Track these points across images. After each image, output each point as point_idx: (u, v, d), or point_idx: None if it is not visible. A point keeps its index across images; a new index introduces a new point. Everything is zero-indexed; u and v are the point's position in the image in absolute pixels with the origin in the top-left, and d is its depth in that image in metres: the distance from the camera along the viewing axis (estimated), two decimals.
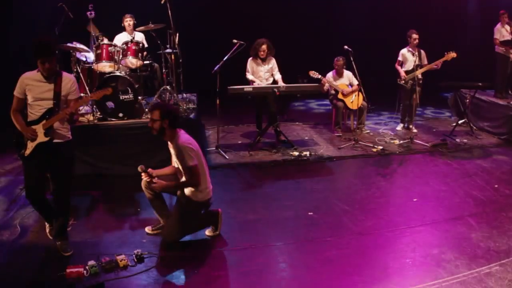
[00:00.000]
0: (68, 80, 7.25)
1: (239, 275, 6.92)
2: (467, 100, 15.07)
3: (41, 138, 7.10)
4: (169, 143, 7.84)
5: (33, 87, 7.04)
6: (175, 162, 7.82)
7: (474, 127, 15.00)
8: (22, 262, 7.16)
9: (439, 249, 7.72)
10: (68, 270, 6.59)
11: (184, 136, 7.68)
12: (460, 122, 15.18)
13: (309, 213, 8.93)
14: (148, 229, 8.12)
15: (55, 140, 7.21)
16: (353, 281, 6.80)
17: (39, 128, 7.08)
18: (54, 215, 7.54)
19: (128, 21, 12.73)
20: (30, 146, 7.10)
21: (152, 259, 7.18)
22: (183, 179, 7.65)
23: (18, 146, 7.23)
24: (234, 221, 8.61)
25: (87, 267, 6.70)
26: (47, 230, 7.75)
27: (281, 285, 6.76)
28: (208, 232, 8.08)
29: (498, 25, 15.10)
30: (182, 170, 7.61)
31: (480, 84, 14.76)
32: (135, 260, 7.09)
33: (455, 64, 14.48)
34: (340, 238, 8.03)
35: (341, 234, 8.20)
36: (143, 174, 7.62)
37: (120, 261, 6.94)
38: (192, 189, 7.60)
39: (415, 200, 9.73)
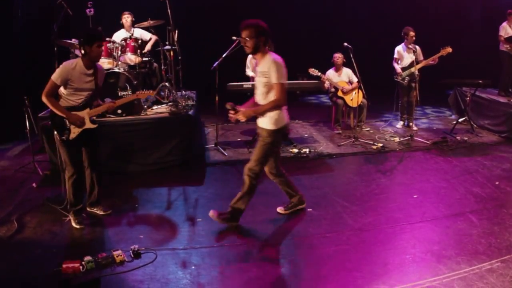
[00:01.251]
0: (102, 70, 8.01)
1: (237, 271, 6.90)
2: (468, 98, 15.03)
3: (89, 125, 7.83)
4: (254, 61, 8.00)
5: (77, 78, 7.53)
6: (260, 83, 7.92)
7: (475, 125, 15.00)
8: (19, 257, 7.14)
9: (439, 245, 7.69)
10: (64, 266, 6.56)
11: (275, 55, 7.78)
12: (460, 120, 15.21)
13: (308, 210, 8.90)
14: (280, 210, 8.66)
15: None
16: (353, 277, 6.76)
17: (85, 115, 7.73)
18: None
19: (126, 18, 12.74)
20: (76, 131, 7.71)
21: (149, 255, 7.15)
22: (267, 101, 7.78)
23: (61, 130, 7.69)
24: None
25: (83, 263, 6.65)
26: (72, 219, 8.08)
27: (280, 281, 6.75)
28: (279, 209, 8.56)
29: (505, 23, 15.10)
30: (266, 91, 7.80)
31: (480, 81, 14.76)
32: (132, 255, 7.06)
33: (456, 62, 14.51)
34: (339, 234, 8.00)
35: (340, 230, 8.16)
36: (231, 111, 7.75)
37: (117, 256, 6.90)
38: (272, 115, 7.78)
39: (415, 196, 9.69)
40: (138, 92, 8.48)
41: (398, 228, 8.30)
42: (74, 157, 7.86)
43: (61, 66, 7.66)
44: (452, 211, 8.98)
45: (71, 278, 6.45)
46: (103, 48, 7.66)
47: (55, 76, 7.46)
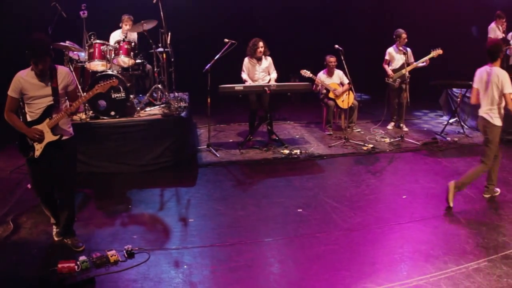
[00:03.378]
0: (64, 73, 7.21)
1: (228, 270, 6.99)
2: (458, 99, 15.13)
3: (50, 137, 7.08)
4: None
5: (29, 85, 6.93)
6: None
7: (466, 126, 15.08)
8: (15, 257, 7.23)
9: (427, 245, 7.80)
10: (60, 266, 6.67)
11: None
12: (451, 121, 15.28)
13: (299, 210, 9.01)
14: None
15: (63, 137, 7.22)
16: (342, 276, 6.87)
17: (44, 128, 7.03)
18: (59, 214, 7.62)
19: (126, 22, 12.88)
20: (39, 147, 7.04)
21: (142, 255, 7.26)
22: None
23: (25, 149, 7.12)
24: (224, 218, 8.72)
25: (78, 263, 6.76)
26: (54, 232, 7.77)
27: (270, 280, 6.82)
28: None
29: (493, 24, 15.33)
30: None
31: (470, 83, 14.81)
32: (126, 255, 7.18)
33: (448, 63, 14.64)
34: (329, 234, 8.10)
35: (330, 230, 8.27)
36: None
37: (111, 256, 7.01)
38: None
39: (404, 197, 9.80)
40: (98, 86, 7.61)
41: (387, 228, 8.41)
42: (40, 177, 7.30)
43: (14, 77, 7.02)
44: (440, 212, 9.09)
45: (67, 278, 6.55)
46: (40, 66, 6.82)
47: (10, 90, 6.96)
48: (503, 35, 15.33)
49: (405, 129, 14.63)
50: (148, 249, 7.45)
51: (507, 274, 6.92)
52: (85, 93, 7.91)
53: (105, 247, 7.37)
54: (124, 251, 7.24)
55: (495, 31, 15.29)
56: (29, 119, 7.06)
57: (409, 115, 16.37)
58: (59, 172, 7.29)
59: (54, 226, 7.78)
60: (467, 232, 8.27)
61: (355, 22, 20.14)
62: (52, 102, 7.05)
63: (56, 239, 7.68)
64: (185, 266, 7.07)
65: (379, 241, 7.98)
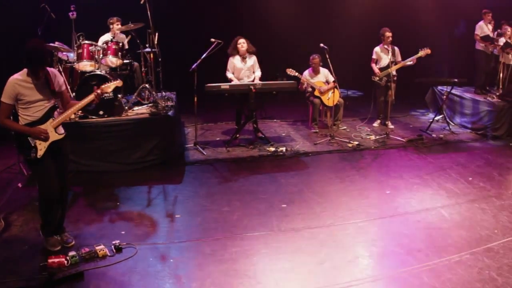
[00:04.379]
0: (56, 74, 7.26)
1: (213, 264, 7.13)
2: (444, 96, 15.33)
3: (55, 136, 7.18)
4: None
5: (27, 90, 6.92)
6: None
7: (452, 123, 15.30)
8: (7, 254, 7.35)
9: (409, 238, 7.95)
10: (50, 261, 6.81)
11: None
12: (437, 118, 15.46)
13: (283, 205, 9.16)
14: None
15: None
16: (324, 268, 7.04)
17: (49, 127, 7.10)
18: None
19: (116, 24, 12.96)
20: (43, 146, 7.07)
21: (130, 250, 7.41)
22: None
23: (25, 150, 7.10)
24: (209, 213, 8.84)
25: (68, 257, 6.91)
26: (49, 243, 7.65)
27: (253, 272, 6.96)
28: None
29: (481, 22, 15.42)
30: None
31: (456, 80, 15.00)
32: (114, 250, 7.32)
33: (434, 61, 14.83)
34: (312, 229, 8.26)
35: (313, 224, 8.41)
36: None
37: (99, 251, 7.17)
38: None
39: (388, 192, 9.96)
40: (104, 86, 7.67)
41: (369, 222, 8.56)
42: (50, 177, 7.28)
43: (7, 83, 6.93)
44: (424, 206, 9.25)
45: (56, 272, 6.69)
46: (41, 74, 6.89)
47: (4, 96, 6.88)
48: (491, 33, 15.49)
49: (391, 126, 14.77)
50: (136, 244, 7.57)
51: (489, 267, 7.06)
52: (95, 92, 7.87)
53: (93, 242, 7.48)
54: (112, 246, 7.37)
55: (482, 28, 15.39)
56: (24, 122, 7.03)
57: (396, 112, 16.42)
58: (59, 170, 7.42)
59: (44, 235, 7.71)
60: (450, 226, 8.42)
61: (348, 18, 20.20)
62: (53, 104, 7.18)
63: (51, 248, 7.53)
64: (171, 260, 7.22)
65: (361, 235, 8.10)
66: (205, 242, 7.81)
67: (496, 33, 15.48)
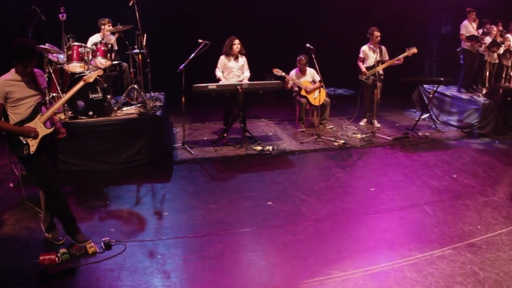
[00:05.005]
0: (41, 73, 7.48)
1: (200, 259, 7.28)
2: (431, 95, 15.53)
3: (44, 131, 7.26)
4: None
5: (17, 88, 7.04)
6: None
7: (438, 121, 15.53)
8: None
9: (392, 234, 8.10)
10: (41, 258, 6.93)
11: None
12: (424, 116, 15.75)
13: (269, 203, 9.30)
14: None
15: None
16: (307, 263, 7.18)
17: (36, 124, 7.18)
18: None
19: (107, 25, 13.11)
20: (34, 142, 7.17)
21: (119, 246, 7.54)
22: None
23: (18, 148, 7.17)
24: (196, 211, 8.98)
25: (59, 254, 7.03)
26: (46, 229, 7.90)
27: (238, 268, 7.13)
28: None
29: (465, 22, 15.63)
30: None
31: (442, 79, 15.18)
32: (103, 247, 7.46)
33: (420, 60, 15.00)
34: (296, 225, 8.41)
35: (298, 221, 8.56)
36: None
37: (89, 248, 7.30)
38: None
39: (372, 189, 10.10)
40: (86, 77, 7.93)
41: (353, 219, 8.72)
42: (49, 170, 7.40)
43: None
44: (407, 203, 9.40)
45: (48, 269, 6.85)
46: (29, 68, 7.06)
47: None
48: (476, 32, 15.69)
49: (377, 125, 14.98)
50: (125, 241, 7.70)
51: (471, 261, 7.20)
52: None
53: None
54: (102, 243, 7.50)
55: (467, 27, 15.61)
56: (15, 120, 7.11)
57: (383, 111, 16.63)
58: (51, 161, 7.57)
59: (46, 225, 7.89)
60: (433, 222, 8.56)
61: (339, 18, 20.33)
62: (40, 100, 7.29)
63: (57, 242, 7.75)
64: (159, 256, 7.35)
65: (345, 231, 8.25)
66: (191, 238, 7.94)
67: (481, 31, 15.69)
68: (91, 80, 8.01)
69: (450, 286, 6.65)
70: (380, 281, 6.78)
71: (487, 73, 15.40)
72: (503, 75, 15.48)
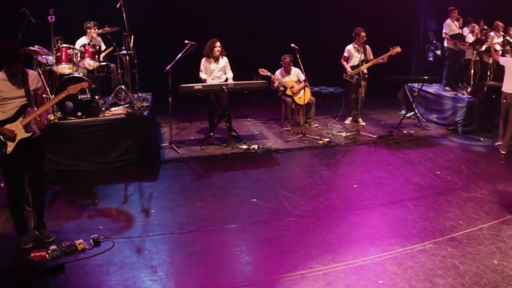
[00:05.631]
0: (34, 76, 7.55)
1: (185, 255, 7.46)
2: (415, 93, 15.77)
3: (23, 134, 7.32)
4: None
5: (4, 87, 7.18)
6: None
7: (423, 119, 15.77)
8: None
9: (374, 229, 8.29)
10: (32, 254, 7.11)
11: None
12: (409, 114, 15.90)
13: (253, 200, 9.48)
14: None
15: (34, 136, 7.53)
16: (290, 257, 7.37)
17: (17, 126, 7.26)
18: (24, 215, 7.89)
19: (93, 28, 13.23)
20: (11, 144, 7.26)
21: (107, 243, 7.72)
22: None
23: None
24: (183, 208, 9.16)
25: (49, 251, 7.21)
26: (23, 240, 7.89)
27: (223, 262, 7.32)
28: None
29: (448, 21, 15.82)
30: None
31: (426, 77, 15.38)
32: (92, 244, 7.64)
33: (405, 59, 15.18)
34: (280, 221, 8.60)
35: (281, 217, 8.76)
36: None
37: (79, 245, 7.48)
38: None
39: (355, 186, 10.29)
40: (70, 87, 7.96)
41: (336, 215, 8.90)
42: (14, 177, 7.52)
43: None
44: (390, 199, 9.58)
45: (39, 265, 7.00)
46: (13, 70, 7.20)
47: None
48: (460, 30, 15.93)
49: (362, 123, 15.14)
50: (113, 238, 7.88)
51: (452, 255, 7.38)
52: (54, 95, 8.01)
53: (73, 237, 7.76)
54: (91, 240, 7.68)
55: (450, 26, 15.80)
56: (1, 118, 7.24)
57: (368, 110, 16.80)
58: (30, 169, 7.63)
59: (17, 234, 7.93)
60: (415, 217, 8.74)
61: (325, 17, 20.47)
62: (25, 102, 7.35)
63: (24, 246, 7.72)
64: (146, 252, 7.54)
65: (327, 226, 8.42)
66: (178, 234, 8.12)
67: (466, 29, 15.96)
68: (75, 91, 8.16)
69: (430, 279, 6.81)
70: (361, 274, 6.94)
71: (472, 71, 15.60)
72: (488, 73, 15.66)
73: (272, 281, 6.86)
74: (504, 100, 12.81)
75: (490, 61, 15.57)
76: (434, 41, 20.31)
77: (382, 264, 7.20)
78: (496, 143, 13.25)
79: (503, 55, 14.69)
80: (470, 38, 15.64)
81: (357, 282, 6.80)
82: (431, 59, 20.40)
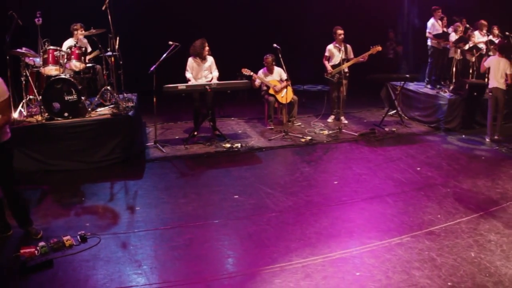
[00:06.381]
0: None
1: (169, 249, 7.70)
2: (397, 91, 16.01)
3: None
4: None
5: None
6: None
7: (405, 117, 15.97)
8: None
9: (353, 223, 8.53)
10: (22, 251, 7.30)
11: None
12: (391, 112, 16.14)
13: (235, 196, 9.72)
14: None
15: (2, 141, 7.59)
16: (270, 251, 7.63)
17: None
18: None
19: (80, 30, 13.36)
20: None
21: (94, 239, 7.94)
22: None
23: None
24: (167, 205, 9.39)
25: (38, 248, 7.40)
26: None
27: (205, 256, 7.55)
28: None
29: (432, 20, 16.04)
30: None
31: (407, 76, 15.65)
32: (79, 240, 7.85)
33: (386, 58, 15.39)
34: (261, 216, 8.85)
35: (262, 213, 9.00)
36: None
37: (66, 241, 7.69)
38: None
39: (335, 182, 10.53)
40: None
41: (316, 210, 9.14)
42: None
43: None
44: (369, 195, 9.83)
45: (28, 261, 7.19)
46: None
47: None
48: (444, 29, 16.21)
49: (345, 121, 15.36)
50: (99, 234, 8.10)
51: (429, 248, 7.63)
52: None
53: (61, 233, 7.94)
54: (78, 236, 7.89)
55: (434, 25, 16.03)
56: None
57: (351, 108, 17.02)
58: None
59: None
60: (394, 212, 8.99)
61: (309, 16, 20.64)
62: None
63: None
64: (131, 247, 7.76)
65: (307, 221, 8.66)
66: (162, 230, 8.34)
67: (450, 29, 16.26)
68: None
69: (407, 271, 7.05)
70: (339, 267, 7.19)
71: (454, 69, 15.87)
72: (470, 71, 16.00)
73: (253, 274, 7.07)
74: (490, 94, 13.49)
75: (473, 59, 15.87)
76: (394, 38, 20.57)
77: (359, 257, 7.42)
78: (488, 138, 13.84)
79: (487, 54, 15.10)
80: (453, 37, 15.90)
81: (334, 274, 7.01)
82: (391, 56, 20.67)
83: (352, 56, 14.95)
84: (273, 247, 7.79)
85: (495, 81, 13.42)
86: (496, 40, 16.09)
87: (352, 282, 6.87)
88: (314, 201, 9.57)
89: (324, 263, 7.30)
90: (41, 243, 7.53)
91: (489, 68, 13.66)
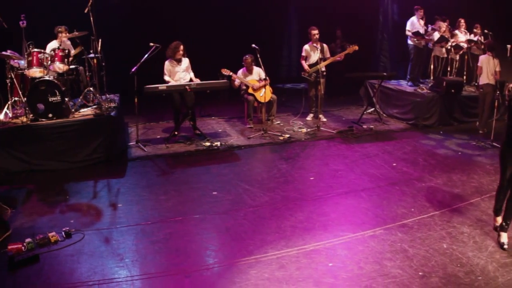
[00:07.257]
0: None
1: (149, 243, 7.98)
2: (375, 89, 16.41)
3: None
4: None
5: None
6: None
7: (384, 114, 16.35)
8: None
9: (327, 217, 8.83)
10: (9, 247, 7.55)
11: None
12: (369, 110, 16.51)
13: (214, 193, 10.01)
14: None
15: None
16: (245, 244, 7.95)
17: None
18: None
19: (64, 33, 13.56)
20: None
21: (78, 235, 8.22)
22: None
23: None
24: (148, 202, 9.66)
25: (24, 244, 7.65)
26: None
27: (184, 249, 7.84)
28: None
29: (413, 18, 16.48)
30: None
31: (385, 74, 16.01)
32: (64, 236, 8.14)
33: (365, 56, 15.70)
34: (238, 212, 9.15)
35: (239, 208, 9.31)
36: None
37: (52, 237, 7.96)
38: None
39: (312, 178, 10.83)
40: None
41: (292, 205, 9.45)
42: None
43: None
44: (344, 190, 10.13)
45: (15, 256, 7.48)
46: None
47: None
48: (424, 27, 16.61)
49: (324, 119, 15.66)
50: (83, 230, 8.38)
51: (402, 240, 7.94)
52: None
53: (46, 230, 8.18)
54: (63, 232, 8.16)
55: (414, 24, 16.44)
56: None
57: (330, 106, 17.37)
58: None
59: None
60: (368, 206, 9.32)
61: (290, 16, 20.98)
62: None
63: None
64: (114, 242, 8.03)
65: (283, 215, 8.97)
66: (143, 226, 8.60)
67: (430, 28, 16.63)
68: None
69: (378, 261, 7.36)
70: (312, 258, 7.50)
71: (432, 67, 16.27)
72: (449, 69, 16.53)
73: (229, 265, 7.37)
74: (481, 90, 14.26)
75: (457, 58, 16.26)
76: (341, 36, 20.84)
77: (333, 248, 7.72)
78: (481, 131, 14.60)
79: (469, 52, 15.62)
80: (436, 36, 16.29)
81: (308, 265, 7.32)
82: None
83: (328, 55, 15.26)
84: (249, 240, 8.08)
85: (487, 78, 14.16)
86: (476, 39, 16.50)
87: (325, 272, 7.12)
88: (290, 196, 9.85)
89: (298, 255, 7.57)
90: (28, 240, 7.74)
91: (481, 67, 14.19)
